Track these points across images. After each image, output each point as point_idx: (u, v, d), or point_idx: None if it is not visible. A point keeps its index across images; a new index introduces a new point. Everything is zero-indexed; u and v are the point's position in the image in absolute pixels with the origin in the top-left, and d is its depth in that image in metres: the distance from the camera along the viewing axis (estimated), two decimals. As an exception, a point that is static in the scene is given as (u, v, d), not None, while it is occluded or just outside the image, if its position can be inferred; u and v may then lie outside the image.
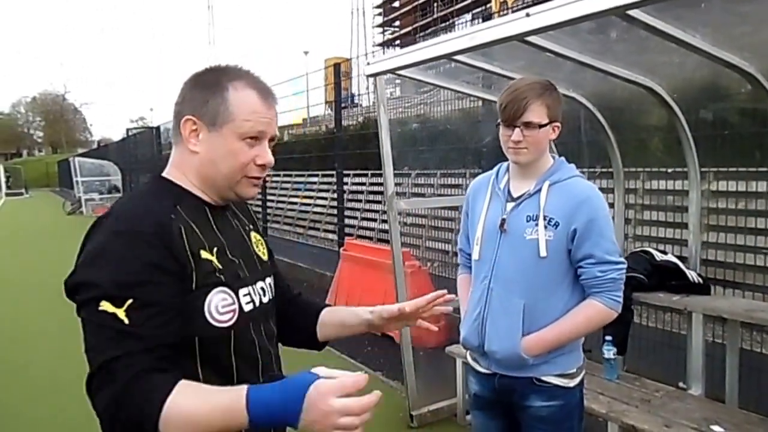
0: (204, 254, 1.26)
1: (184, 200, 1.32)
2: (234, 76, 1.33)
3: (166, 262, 1.19)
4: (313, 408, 1.03)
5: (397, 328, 1.68)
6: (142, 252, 1.17)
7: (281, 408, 1.05)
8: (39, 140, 75.83)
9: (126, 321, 1.12)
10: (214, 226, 1.35)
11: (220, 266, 1.29)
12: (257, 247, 1.49)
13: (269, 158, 1.35)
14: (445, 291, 1.59)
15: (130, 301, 1.13)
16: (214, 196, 1.37)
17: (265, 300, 1.42)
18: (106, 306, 1.12)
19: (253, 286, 1.38)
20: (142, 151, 20.83)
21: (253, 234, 1.50)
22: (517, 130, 2.02)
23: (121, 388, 1.08)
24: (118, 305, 1.12)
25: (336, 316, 1.65)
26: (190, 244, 1.24)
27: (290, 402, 1.04)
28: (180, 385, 1.10)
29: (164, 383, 1.09)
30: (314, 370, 1.10)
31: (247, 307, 1.34)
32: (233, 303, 1.30)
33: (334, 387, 1.04)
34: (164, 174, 1.39)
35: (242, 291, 1.34)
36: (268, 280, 1.48)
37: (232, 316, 1.29)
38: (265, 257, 1.51)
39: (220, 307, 1.27)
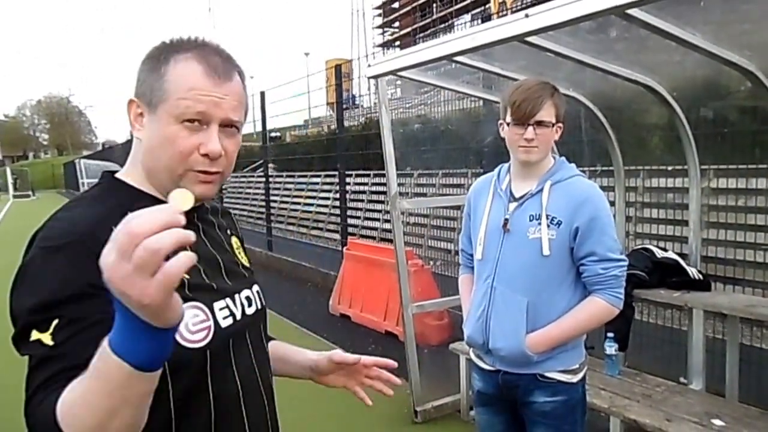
0: None
1: (138, 203, 0.93)
2: (180, 48, 1.09)
3: (94, 274, 0.83)
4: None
5: (339, 382, 1.48)
6: (67, 266, 0.96)
7: (128, 320, 0.78)
8: (44, 143, 76.05)
9: (50, 343, 0.92)
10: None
11: (188, 276, 1.06)
12: (239, 253, 1.31)
13: (213, 146, 1.07)
14: (395, 364, 1.47)
15: (55, 321, 0.93)
16: (159, 189, 1.13)
17: (250, 311, 1.21)
18: (35, 335, 0.94)
19: (235, 296, 1.18)
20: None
21: (233, 239, 1.32)
22: (530, 128, 2.05)
23: (32, 414, 0.91)
24: (44, 329, 0.93)
25: (278, 351, 1.41)
26: None
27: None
28: (60, 402, 0.87)
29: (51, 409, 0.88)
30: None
31: (225, 323, 1.13)
32: (207, 320, 1.09)
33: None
34: (119, 174, 1.17)
35: (218, 304, 1.13)
36: (255, 287, 1.28)
37: (207, 335, 1.08)
38: (247, 263, 1.32)
39: (190, 324, 1.06)
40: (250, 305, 1.22)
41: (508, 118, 2.09)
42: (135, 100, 1.11)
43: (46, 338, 0.92)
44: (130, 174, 1.15)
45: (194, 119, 1.06)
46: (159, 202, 1.06)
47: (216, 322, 1.10)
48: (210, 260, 1.18)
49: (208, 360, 1.09)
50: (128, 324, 0.77)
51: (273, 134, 17.61)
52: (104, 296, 0.84)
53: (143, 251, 0.70)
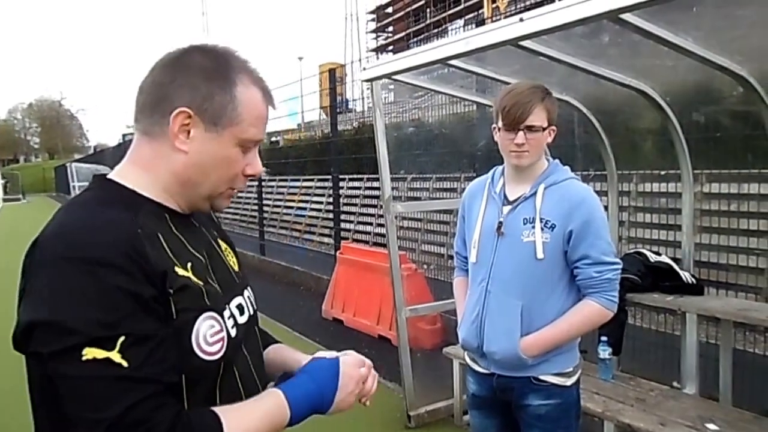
0: (180, 272, 1.03)
1: (142, 208, 1.06)
2: (240, 68, 1.11)
3: (143, 289, 0.96)
4: (348, 381, 1.18)
5: None
6: (115, 279, 0.93)
7: (318, 395, 1.14)
8: (36, 146, 75.71)
9: (125, 364, 0.91)
10: (181, 238, 1.10)
11: (201, 284, 1.06)
12: (228, 256, 1.27)
13: (260, 168, 1.16)
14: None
15: (122, 339, 0.91)
16: (181, 203, 1.14)
17: (243, 319, 1.18)
18: (92, 353, 0.90)
19: (231, 303, 1.16)
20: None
21: (221, 242, 1.27)
22: (520, 133, 2.05)
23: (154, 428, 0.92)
24: (109, 347, 0.91)
25: (279, 355, 1.39)
26: (163, 262, 1.00)
27: (326, 386, 1.15)
28: (221, 415, 1.00)
29: (209, 417, 0.99)
30: (317, 354, 1.25)
31: (233, 332, 1.11)
32: (221, 330, 1.07)
33: (357, 359, 1.25)
34: (112, 176, 1.12)
35: (225, 313, 1.11)
36: (246, 292, 1.25)
37: (222, 346, 1.07)
38: (236, 267, 1.28)
39: (208, 336, 1.04)
40: (242, 313, 1.19)
41: (500, 123, 2.09)
42: (188, 112, 1.06)
43: (116, 357, 0.91)
44: (127, 177, 1.11)
45: (252, 145, 1.13)
46: (162, 207, 1.10)
47: (228, 332, 1.09)
48: (214, 262, 1.17)
49: (220, 372, 1.09)
50: (319, 401, 1.13)
51: (273, 139, 17.60)
52: (155, 311, 0.97)
53: (361, 389, 1.23)
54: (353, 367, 1.20)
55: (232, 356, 1.11)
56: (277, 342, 1.44)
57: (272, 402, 1.09)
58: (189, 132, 1.07)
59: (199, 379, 1.05)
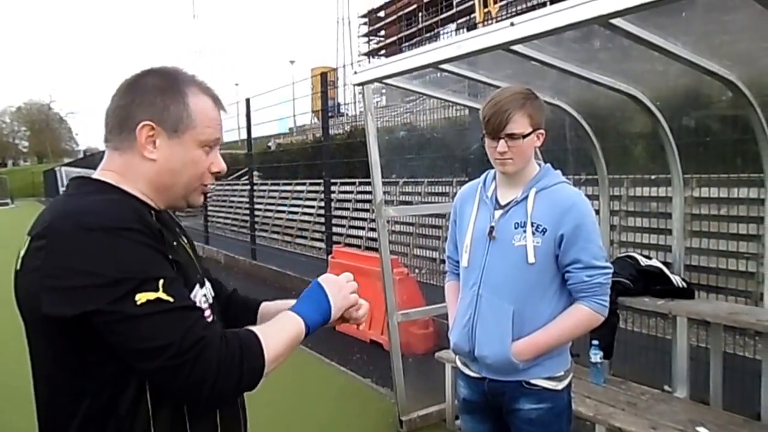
0: (171, 252, 1.20)
1: (132, 200, 1.23)
2: (188, 81, 1.28)
3: (159, 246, 1.15)
4: (332, 288, 1.42)
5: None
6: (138, 237, 1.11)
7: (318, 305, 1.39)
8: (24, 150, 75.05)
9: (172, 300, 1.10)
10: (163, 231, 1.23)
11: (182, 264, 1.24)
12: (190, 250, 1.41)
13: (223, 165, 1.33)
14: None
15: (161, 281, 1.10)
16: (161, 203, 1.30)
17: (205, 306, 1.32)
18: (145, 296, 1.07)
19: (196, 289, 1.30)
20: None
21: (183, 237, 1.41)
22: (501, 141, 2.05)
23: (225, 347, 1.12)
24: (155, 289, 1.08)
25: (272, 310, 1.56)
26: (163, 235, 1.19)
27: (319, 296, 1.40)
28: (258, 332, 1.21)
29: (250, 334, 1.20)
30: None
31: (209, 311, 1.30)
32: (207, 301, 1.30)
33: (331, 274, 1.49)
34: (100, 177, 1.26)
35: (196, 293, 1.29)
36: (207, 284, 1.39)
37: (210, 314, 1.27)
38: (197, 262, 1.42)
39: (203, 304, 1.26)
40: (206, 300, 1.33)
41: (484, 131, 2.11)
42: (150, 125, 1.23)
43: (163, 296, 1.09)
44: (113, 180, 1.25)
45: (212, 144, 1.30)
46: (146, 204, 1.25)
47: (210, 305, 1.31)
48: (183, 254, 1.31)
49: None
50: (322, 320, 1.39)
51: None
52: (170, 264, 1.16)
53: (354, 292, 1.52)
54: (329, 277, 1.47)
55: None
56: (262, 300, 1.66)
57: (292, 320, 1.31)
58: (155, 142, 1.24)
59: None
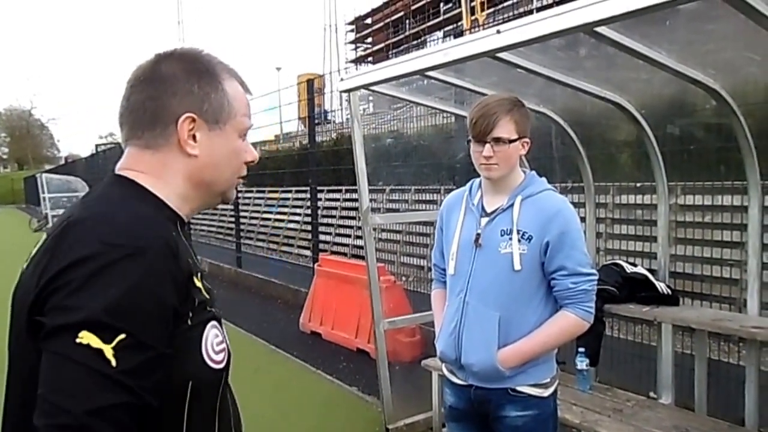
0: (197, 282, 1.03)
1: (164, 212, 1.08)
2: (219, 65, 1.15)
3: (168, 292, 0.95)
4: None
5: None
6: (142, 274, 0.92)
7: None
8: (4, 156, 74.22)
9: (113, 363, 0.86)
10: (188, 246, 1.10)
11: (208, 296, 1.06)
12: None
13: (256, 154, 1.21)
14: None
15: (121, 336, 0.87)
16: (194, 206, 1.16)
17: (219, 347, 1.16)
18: (89, 338, 0.85)
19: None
20: (111, 167, 20.47)
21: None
22: (487, 145, 2.06)
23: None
24: (106, 339, 0.86)
25: None
26: (188, 269, 1.01)
27: None
28: None
29: None
30: None
31: (229, 344, 1.12)
32: (224, 341, 1.07)
33: None
34: (131, 177, 1.10)
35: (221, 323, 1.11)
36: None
37: (225, 356, 1.07)
38: None
39: (215, 344, 1.04)
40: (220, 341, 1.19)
41: (470, 136, 2.11)
42: (193, 116, 1.09)
43: (108, 352, 0.86)
44: (153, 186, 1.09)
45: (246, 133, 1.18)
46: (174, 212, 1.10)
47: (227, 344, 1.10)
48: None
49: (220, 386, 1.08)
50: None
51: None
52: (168, 319, 0.94)
53: None
54: None
55: (228, 370, 1.10)
56: None
57: None
58: (195, 136, 1.10)
59: (205, 391, 1.03)
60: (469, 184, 2.30)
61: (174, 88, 1.09)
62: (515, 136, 2.08)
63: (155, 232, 0.99)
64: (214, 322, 1.06)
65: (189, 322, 1.00)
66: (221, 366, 1.06)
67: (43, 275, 0.93)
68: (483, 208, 2.18)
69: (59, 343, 0.87)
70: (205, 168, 1.12)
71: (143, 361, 0.90)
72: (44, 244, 1.01)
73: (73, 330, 0.86)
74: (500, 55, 2.85)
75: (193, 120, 1.09)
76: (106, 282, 0.89)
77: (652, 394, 3.74)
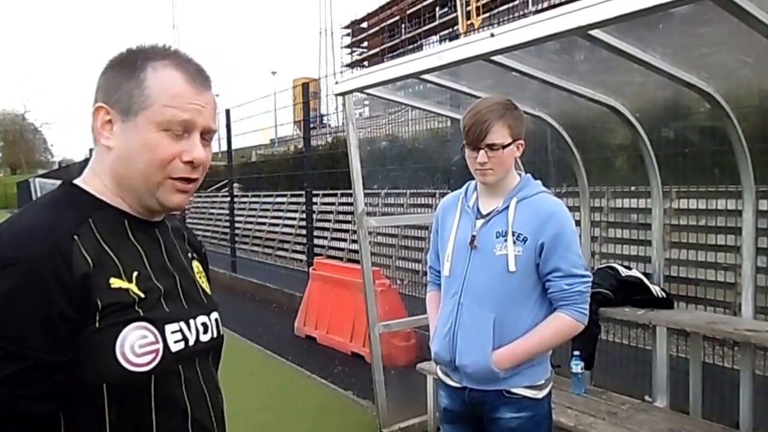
0: (116, 283, 1.02)
1: (98, 213, 1.07)
2: (155, 55, 1.10)
3: (53, 304, 0.94)
4: None
5: None
6: (21, 286, 0.93)
7: None
8: (-3, 161, 73.93)
9: None
10: (136, 245, 1.10)
11: (142, 295, 1.04)
12: (200, 277, 1.26)
13: (198, 153, 1.09)
14: None
15: None
16: (135, 205, 1.12)
17: (205, 338, 1.16)
18: None
19: (190, 320, 1.13)
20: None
21: (195, 263, 1.27)
22: (481, 152, 2.07)
23: None
24: None
25: None
26: (97, 272, 0.99)
27: None
28: None
29: None
30: None
31: (176, 347, 1.08)
32: (156, 342, 1.04)
33: None
34: (77, 181, 1.13)
35: (170, 327, 1.08)
36: (214, 315, 1.22)
37: (154, 358, 1.03)
38: (208, 290, 1.27)
39: (137, 346, 1.01)
40: (206, 332, 1.17)
41: (464, 142, 2.12)
42: (104, 107, 1.08)
43: None
44: (89, 183, 1.12)
45: (180, 128, 1.08)
46: (120, 212, 1.10)
47: (166, 346, 1.06)
48: (168, 278, 1.13)
49: (152, 385, 1.04)
50: None
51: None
52: (57, 327, 0.94)
53: None
54: None
55: (170, 372, 1.07)
56: None
57: None
58: (112, 128, 1.09)
59: (123, 390, 1.01)
60: (464, 187, 2.30)
61: (100, 81, 1.11)
62: (509, 141, 2.08)
63: (45, 239, 0.97)
64: (139, 323, 1.03)
65: (97, 325, 0.98)
66: (146, 368, 1.02)
67: None
68: (478, 210, 2.18)
69: None
70: (119, 160, 1.09)
71: (17, 372, 0.91)
72: None
73: None
74: (495, 58, 2.86)
75: (107, 112, 1.09)
76: None
77: (647, 397, 3.74)
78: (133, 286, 1.03)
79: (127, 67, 1.09)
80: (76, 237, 1.00)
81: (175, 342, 1.08)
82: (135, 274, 1.05)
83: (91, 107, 1.11)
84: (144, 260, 1.09)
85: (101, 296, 0.99)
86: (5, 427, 0.91)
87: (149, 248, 1.12)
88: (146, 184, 1.09)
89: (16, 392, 0.91)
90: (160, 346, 1.05)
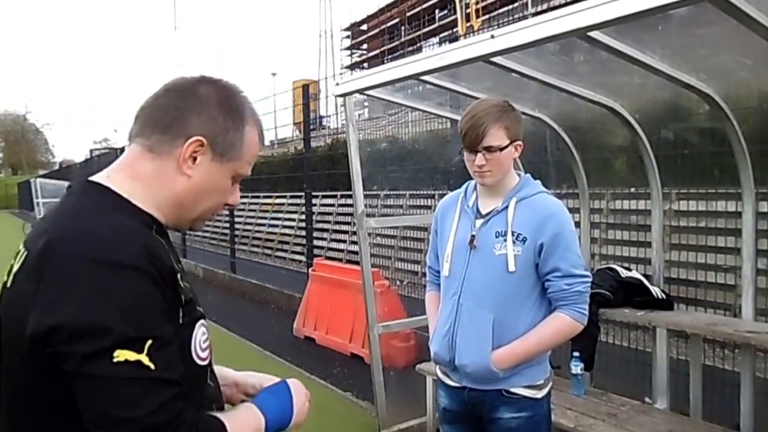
0: (180, 282, 1.09)
1: (140, 218, 1.11)
2: (250, 110, 1.21)
3: (163, 294, 1.03)
4: (299, 399, 1.30)
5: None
6: (142, 284, 0.99)
7: (282, 409, 1.26)
8: (-2, 161, 73.88)
9: (153, 367, 0.96)
10: (169, 248, 1.15)
11: (191, 296, 1.12)
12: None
13: (239, 199, 1.27)
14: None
15: (149, 342, 0.97)
16: (168, 220, 1.18)
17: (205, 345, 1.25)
18: (124, 355, 0.94)
19: None
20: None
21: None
22: (479, 155, 2.07)
23: (183, 424, 0.99)
24: (139, 350, 0.95)
25: (224, 375, 1.42)
26: (171, 270, 1.07)
27: (285, 400, 1.28)
28: (225, 421, 1.08)
29: (217, 423, 1.07)
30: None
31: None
32: (209, 338, 1.16)
33: (299, 383, 1.36)
34: (105, 183, 1.13)
35: (204, 322, 1.18)
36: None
37: (209, 352, 1.16)
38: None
39: (202, 342, 1.12)
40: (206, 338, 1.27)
41: (462, 145, 2.12)
42: (203, 141, 1.14)
43: (145, 360, 0.96)
44: (120, 186, 1.12)
45: (240, 179, 1.23)
46: (152, 217, 1.13)
47: (210, 341, 1.17)
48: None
49: (205, 378, 1.17)
50: (278, 427, 1.24)
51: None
52: (170, 315, 1.04)
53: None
54: (297, 386, 1.34)
55: (211, 364, 1.20)
56: None
57: (256, 420, 1.19)
58: (196, 158, 1.14)
59: (193, 384, 1.10)
60: (464, 186, 2.30)
61: (201, 108, 1.14)
62: (506, 142, 2.08)
63: (136, 239, 1.03)
64: (202, 321, 1.14)
65: (181, 321, 1.07)
66: (206, 363, 1.14)
67: (38, 301, 0.97)
68: (478, 209, 2.18)
69: (99, 367, 0.94)
70: (192, 192, 1.16)
71: (170, 355, 1.01)
72: (26, 262, 1.04)
73: (108, 352, 0.94)
74: (495, 59, 2.86)
75: (202, 144, 1.13)
76: (109, 299, 0.96)
77: (647, 399, 3.74)
78: (185, 286, 1.10)
79: (235, 116, 1.17)
80: (152, 236, 1.08)
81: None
82: (181, 275, 1.11)
83: (170, 120, 1.13)
84: (178, 262, 1.15)
85: (182, 293, 1.08)
86: (185, 406, 1.01)
87: (172, 251, 1.16)
88: (199, 216, 1.22)
89: (176, 374, 1.01)
90: (210, 341, 1.17)
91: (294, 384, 1.33)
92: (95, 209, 1.08)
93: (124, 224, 1.05)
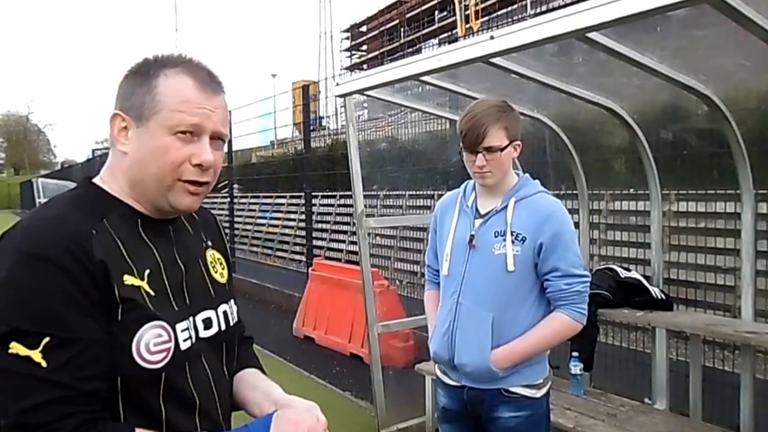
0: (129, 280, 1.06)
1: (114, 211, 1.11)
2: (168, 63, 1.14)
3: (83, 290, 1.00)
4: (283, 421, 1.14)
5: None
6: (54, 278, 0.98)
7: None
8: (1, 161, 73.85)
9: (44, 365, 0.94)
10: (149, 243, 1.14)
11: (152, 293, 1.08)
12: (213, 267, 1.28)
13: (206, 156, 1.12)
14: None
15: (46, 339, 0.95)
16: (148, 205, 1.15)
17: (210, 333, 1.20)
18: (17, 348, 0.94)
19: (196, 316, 1.18)
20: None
21: (210, 252, 1.29)
22: (479, 155, 2.08)
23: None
24: (31, 345, 0.94)
25: (250, 380, 1.36)
26: (114, 268, 1.04)
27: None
28: None
29: None
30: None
31: (185, 345, 1.12)
32: (169, 340, 1.09)
33: (298, 409, 1.20)
34: (96, 179, 1.18)
35: (181, 325, 1.12)
36: (223, 307, 1.26)
37: (165, 356, 1.08)
38: (222, 279, 1.29)
39: (151, 345, 1.06)
40: (210, 327, 1.20)
41: (462, 146, 2.13)
42: (120, 114, 1.13)
43: (37, 356, 0.94)
44: (105, 181, 1.16)
45: (187, 131, 1.11)
46: (135, 211, 1.14)
47: (177, 344, 1.10)
48: (176, 276, 1.17)
49: (162, 382, 1.09)
50: None
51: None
52: (93, 314, 1.00)
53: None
54: (287, 416, 1.16)
55: (179, 368, 1.11)
56: (257, 366, 1.41)
57: None
58: (128, 134, 1.13)
59: (136, 384, 1.06)
60: (463, 186, 2.31)
61: (118, 90, 1.16)
62: (506, 143, 2.09)
63: (63, 232, 1.02)
64: (155, 322, 1.08)
65: (119, 318, 1.04)
66: (158, 365, 1.07)
67: None
68: (477, 209, 2.19)
69: None
70: (134, 165, 1.13)
71: (74, 355, 0.97)
72: None
73: (3, 342, 0.95)
74: (494, 60, 2.87)
75: (122, 118, 1.13)
76: (17, 291, 0.97)
77: (646, 399, 3.74)
78: (144, 285, 1.08)
79: (142, 75, 1.13)
80: (94, 232, 1.05)
81: (184, 340, 1.12)
82: (147, 272, 1.09)
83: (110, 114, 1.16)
84: (156, 258, 1.13)
85: (119, 289, 1.04)
86: (73, 405, 0.97)
87: (161, 246, 1.16)
88: (158, 187, 1.12)
89: (78, 375, 0.97)
90: (172, 344, 1.09)
91: (281, 419, 1.15)
92: (59, 203, 1.12)
93: (64, 217, 1.06)
